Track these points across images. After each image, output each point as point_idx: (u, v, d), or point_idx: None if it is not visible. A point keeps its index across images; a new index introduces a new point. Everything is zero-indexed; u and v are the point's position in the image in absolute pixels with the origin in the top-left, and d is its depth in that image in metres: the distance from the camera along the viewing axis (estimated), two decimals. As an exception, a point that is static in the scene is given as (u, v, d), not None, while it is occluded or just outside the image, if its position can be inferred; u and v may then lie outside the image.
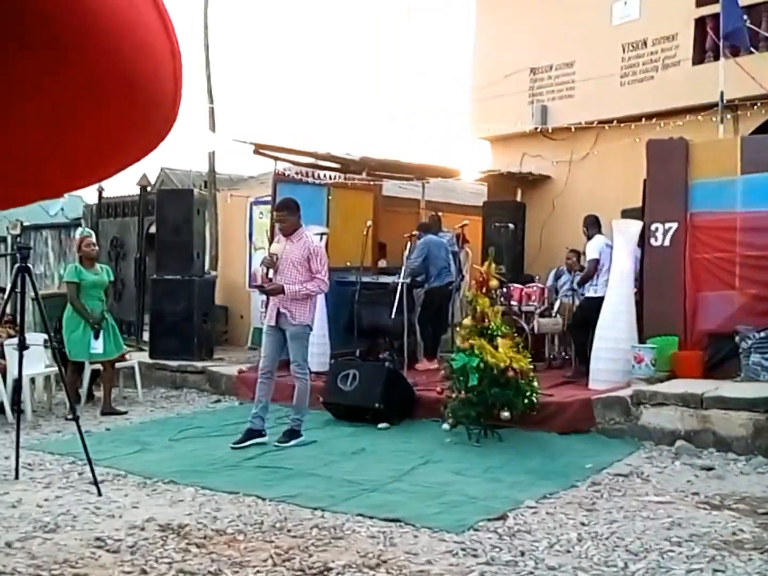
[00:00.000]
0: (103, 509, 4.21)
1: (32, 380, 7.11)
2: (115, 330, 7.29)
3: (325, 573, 3.32)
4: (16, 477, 4.82)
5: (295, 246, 5.76)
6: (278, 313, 5.72)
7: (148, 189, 10.88)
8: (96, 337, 6.93)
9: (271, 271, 5.72)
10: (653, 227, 7.13)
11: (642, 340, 6.81)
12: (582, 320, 7.55)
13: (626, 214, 7.86)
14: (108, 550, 3.58)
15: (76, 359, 7.05)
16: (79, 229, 7.83)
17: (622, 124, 9.06)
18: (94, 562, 3.45)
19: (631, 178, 8.03)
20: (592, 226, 7.78)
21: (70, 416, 6.40)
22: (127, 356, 7.91)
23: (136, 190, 10.81)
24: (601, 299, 7.21)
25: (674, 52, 9.02)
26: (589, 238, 7.75)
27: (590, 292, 7.63)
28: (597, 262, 7.56)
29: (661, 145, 7.21)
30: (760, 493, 4.54)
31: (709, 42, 8.60)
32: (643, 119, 8.81)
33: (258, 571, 3.34)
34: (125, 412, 7.08)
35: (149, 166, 11.46)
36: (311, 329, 5.91)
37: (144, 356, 8.72)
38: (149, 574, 3.30)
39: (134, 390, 7.78)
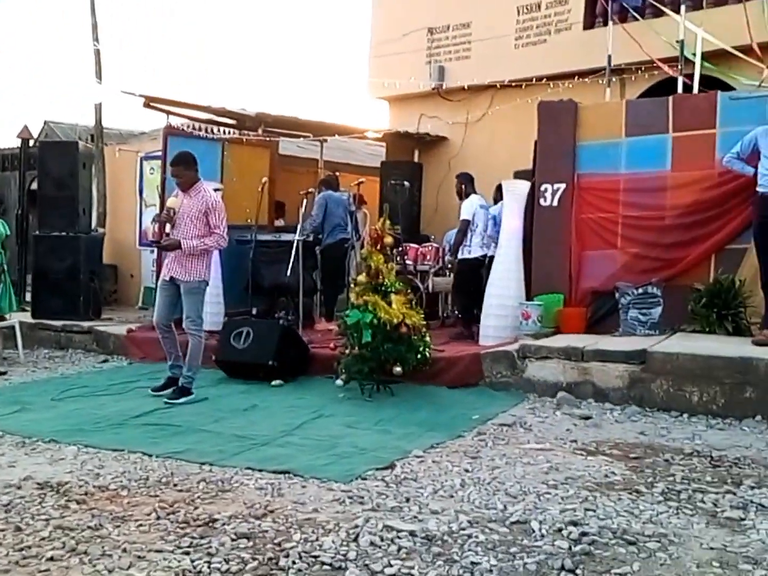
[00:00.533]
0: (-23, 470, 4.02)
1: None
2: (11, 287, 6.97)
3: (210, 524, 3.29)
4: None
5: (192, 200, 5.67)
6: (171, 268, 5.63)
7: (30, 142, 10.31)
8: None
9: (167, 226, 5.60)
10: (543, 188, 7.32)
11: (529, 297, 7.03)
12: (461, 283, 7.72)
13: (519, 175, 8.04)
14: (-20, 510, 3.43)
15: None
16: None
17: (516, 86, 9.22)
18: (-36, 522, 3.29)
19: (524, 139, 8.20)
20: (469, 184, 7.84)
21: None
22: (6, 315, 7.54)
23: (17, 143, 10.22)
24: (476, 260, 7.38)
25: (566, 16, 9.23)
26: (466, 196, 7.76)
27: (464, 253, 7.71)
28: (468, 223, 7.64)
29: (552, 107, 7.39)
30: (632, 439, 4.80)
31: (599, 7, 8.84)
32: (535, 81, 8.99)
33: (140, 525, 3.28)
34: (4, 372, 6.77)
35: (31, 119, 10.85)
36: (207, 284, 5.84)
37: (26, 316, 8.33)
38: (24, 531, 3.18)
39: (15, 351, 7.43)
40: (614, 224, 7.03)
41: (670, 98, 6.90)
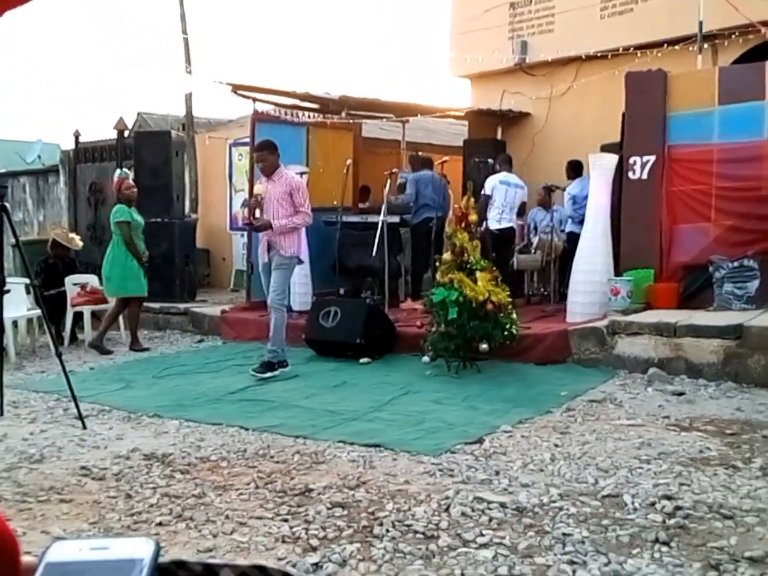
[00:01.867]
0: (88, 441, 4.30)
1: (15, 324, 7.13)
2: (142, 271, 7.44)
3: (306, 493, 3.42)
4: (1, 414, 4.88)
5: (276, 184, 5.94)
6: (269, 248, 5.90)
7: (125, 133, 10.74)
8: (146, 275, 7.30)
9: (257, 212, 5.90)
10: (631, 160, 7.14)
11: (618, 273, 6.90)
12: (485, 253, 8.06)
13: (606, 148, 7.86)
14: (93, 478, 3.67)
15: (131, 294, 7.30)
16: (117, 171, 7.87)
17: (602, 58, 8.99)
18: (80, 488, 3.53)
19: (610, 112, 8.01)
20: (503, 163, 8.47)
21: (135, 347, 7.24)
22: (109, 299, 7.93)
23: (113, 135, 10.67)
24: (496, 231, 8.03)
25: (654, -17, 8.91)
26: (493, 172, 8.32)
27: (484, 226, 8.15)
28: (487, 198, 8.09)
29: (640, 77, 7.18)
30: (728, 416, 4.68)
31: (690, -28, 8.48)
32: (622, 51, 8.73)
33: (241, 494, 3.44)
34: (111, 352, 7.18)
35: (126, 111, 11.30)
36: (300, 261, 6.16)
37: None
38: (134, 498, 3.39)
39: (118, 332, 7.82)
40: (707, 196, 6.80)
41: (767, 63, 6.59)
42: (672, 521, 2.94)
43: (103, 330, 7.34)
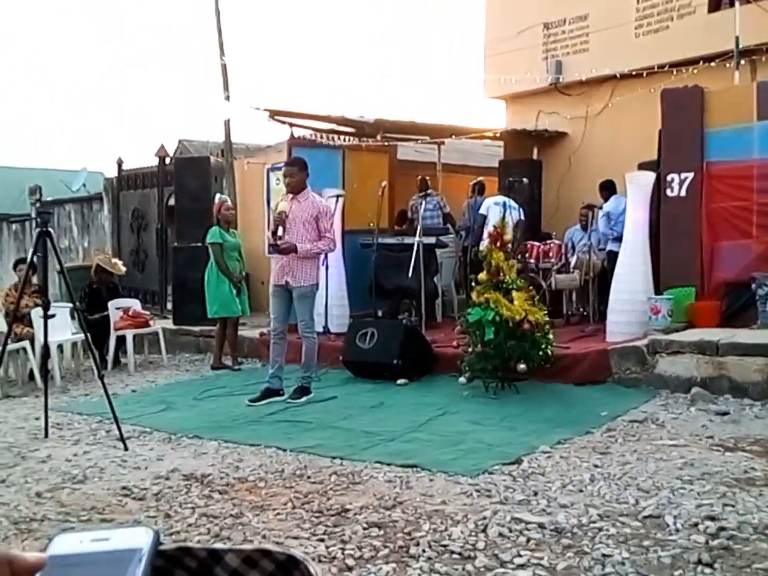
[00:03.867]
0: (129, 462, 4.36)
1: (60, 348, 7.29)
2: (245, 289, 7.55)
3: (343, 514, 3.42)
4: (46, 435, 4.99)
5: (302, 205, 5.82)
6: (284, 274, 5.81)
7: (167, 160, 10.97)
8: (238, 295, 7.35)
9: (280, 229, 5.74)
10: (669, 178, 7.07)
11: (658, 291, 6.81)
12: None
13: (643, 166, 7.80)
14: (134, 498, 3.72)
15: (224, 315, 7.45)
16: (218, 195, 8.12)
17: (637, 76, 8.94)
18: (121, 508, 3.59)
19: (647, 130, 7.95)
20: (501, 188, 8.76)
21: (221, 365, 7.41)
22: (151, 322, 8.08)
23: (155, 162, 10.90)
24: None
25: (689, 0, 8.86)
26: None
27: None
28: (483, 218, 8.40)
29: (676, 94, 7.13)
30: (774, 435, 4.57)
31: (725, -12, 8.43)
32: (657, 69, 8.68)
33: (278, 513, 3.46)
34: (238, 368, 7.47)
35: (167, 139, 11.55)
36: (318, 288, 6.04)
37: (168, 323, 8.88)
38: (173, 518, 3.43)
39: (159, 355, 7.94)
40: (748, 212, 6.69)
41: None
42: (715, 542, 2.88)
43: (217, 352, 7.55)
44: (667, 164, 7.12)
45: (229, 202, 7.74)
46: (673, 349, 5.79)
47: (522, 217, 8.56)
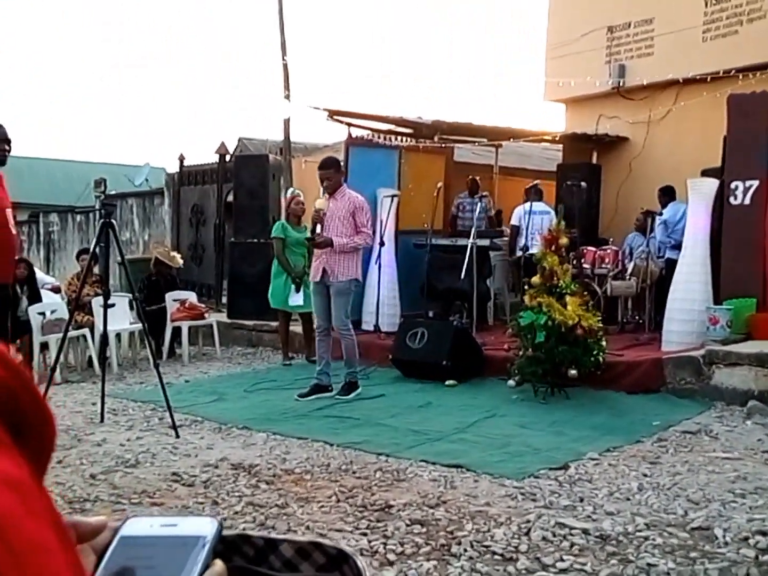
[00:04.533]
0: (180, 449, 4.47)
1: (118, 336, 7.50)
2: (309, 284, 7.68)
3: (386, 510, 3.44)
4: (102, 420, 5.14)
5: (339, 202, 5.88)
6: (323, 270, 5.83)
7: (227, 157, 11.16)
8: (297, 290, 7.33)
9: (318, 227, 5.80)
10: (733, 185, 6.88)
11: (718, 301, 6.64)
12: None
13: (706, 173, 7.62)
14: (183, 484, 3.81)
15: (275, 307, 7.60)
16: (290, 189, 8.27)
17: (702, 81, 8.74)
18: (170, 493, 3.68)
19: (711, 137, 7.77)
20: (529, 194, 8.68)
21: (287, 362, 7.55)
22: (206, 315, 8.24)
23: (215, 159, 11.11)
24: (523, 258, 8.23)
25: (760, 4, 8.61)
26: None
27: (518, 253, 8.56)
28: (515, 228, 8.67)
29: (743, 100, 6.93)
30: (835, 453, 4.42)
31: (799, -9, 8.18)
32: (723, 74, 8.47)
33: (322, 506, 3.50)
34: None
35: (227, 137, 11.75)
36: (358, 282, 6.03)
37: (223, 317, 9.04)
38: (220, 505, 3.50)
39: (213, 347, 8.10)
40: (815, 223, 6.47)
41: None
42: (766, 557, 2.80)
43: (283, 348, 7.70)
44: (732, 171, 6.94)
45: (301, 197, 7.75)
46: (730, 361, 5.64)
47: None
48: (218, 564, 0.45)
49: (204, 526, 0.48)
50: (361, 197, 6.06)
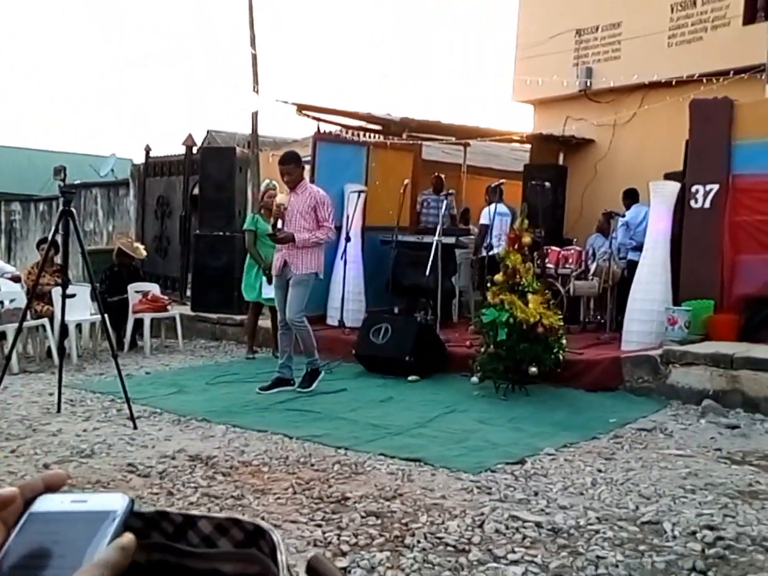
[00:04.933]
0: (138, 440, 4.43)
1: (78, 327, 7.39)
2: None
3: (342, 502, 3.45)
4: (58, 411, 5.07)
5: (300, 197, 5.86)
6: (284, 263, 5.83)
7: (194, 149, 11.07)
8: (269, 282, 7.15)
9: (279, 222, 5.80)
10: (693, 189, 7.01)
11: (677, 302, 6.75)
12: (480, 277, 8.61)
13: (669, 177, 7.74)
14: (139, 475, 3.78)
15: (247, 299, 7.57)
16: (266, 181, 8.13)
17: (667, 86, 8.88)
18: (125, 484, 3.64)
19: (675, 140, 7.89)
20: (492, 193, 8.68)
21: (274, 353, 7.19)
22: (168, 307, 8.16)
23: (182, 150, 11.01)
24: (487, 257, 8.18)
25: (724, 11, 8.78)
26: (488, 204, 8.60)
27: (482, 252, 8.55)
28: (485, 227, 8.56)
29: (705, 105, 7.06)
30: (784, 451, 4.52)
31: (761, 1, 8.35)
32: (686, 78, 8.62)
33: (278, 498, 3.49)
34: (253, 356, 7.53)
35: (197, 129, 11.64)
36: (318, 277, 5.99)
37: (188, 310, 8.96)
38: (175, 496, 3.48)
39: (175, 340, 8.03)
40: (773, 227, 6.61)
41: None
42: (712, 551, 2.86)
43: (249, 341, 7.61)
44: (693, 175, 7.06)
45: (276, 190, 7.70)
46: (687, 360, 5.74)
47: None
48: (126, 535, 0.46)
49: (114, 502, 0.48)
50: (322, 192, 6.03)
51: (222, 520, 0.51)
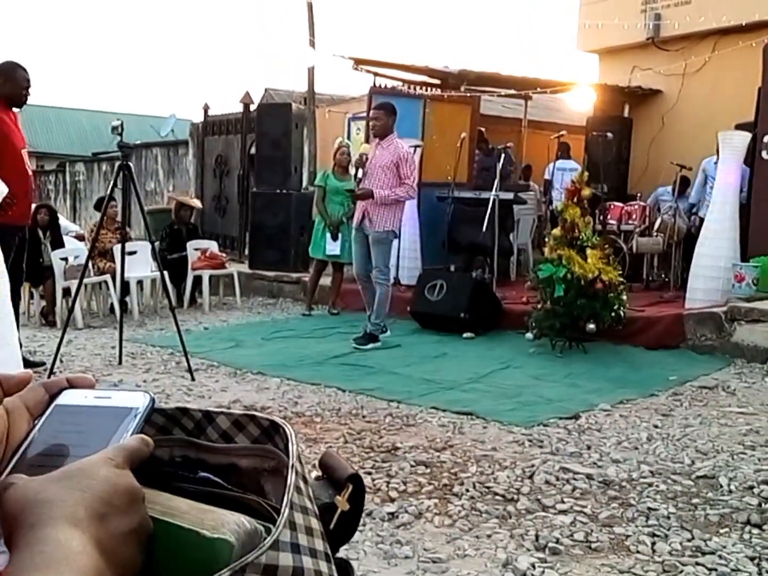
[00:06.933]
0: (195, 391, 4.52)
1: (139, 284, 7.56)
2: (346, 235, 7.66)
3: (393, 452, 3.46)
4: (120, 363, 5.22)
5: (385, 151, 5.79)
6: (363, 217, 5.82)
7: (251, 107, 11.09)
8: (334, 238, 7.31)
9: (359, 172, 5.76)
10: (766, 139, 6.69)
11: (745, 258, 6.49)
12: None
13: (741, 127, 7.38)
14: (194, 423, 3.86)
15: (312, 256, 7.63)
16: (338, 139, 8.21)
17: (741, 31, 8.44)
18: (181, 431, 3.73)
19: (748, 89, 7.51)
20: (562, 151, 9.04)
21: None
22: (227, 265, 8.28)
23: (240, 109, 11.04)
24: (550, 212, 8.55)
25: (804, -51, 8.25)
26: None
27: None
28: (546, 182, 8.90)
29: (779, 50, 6.69)
30: None
31: None
32: (760, 20, 8.16)
33: (330, 447, 3.52)
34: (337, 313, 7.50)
35: (254, 87, 11.63)
36: (396, 235, 5.99)
37: (245, 267, 9.08)
38: (228, 443, 3.54)
39: (233, 297, 8.14)
40: None
41: None
42: (769, 506, 2.77)
43: (308, 297, 7.61)
44: (765, 124, 6.73)
45: (348, 148, 7.68)
46: (752, 317, 5.53)
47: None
48: (145, 437, 0.46)
49: (136, 399, 0.49)
50: (408, 147, 5.97)
51: (239, 416, 0.53)
